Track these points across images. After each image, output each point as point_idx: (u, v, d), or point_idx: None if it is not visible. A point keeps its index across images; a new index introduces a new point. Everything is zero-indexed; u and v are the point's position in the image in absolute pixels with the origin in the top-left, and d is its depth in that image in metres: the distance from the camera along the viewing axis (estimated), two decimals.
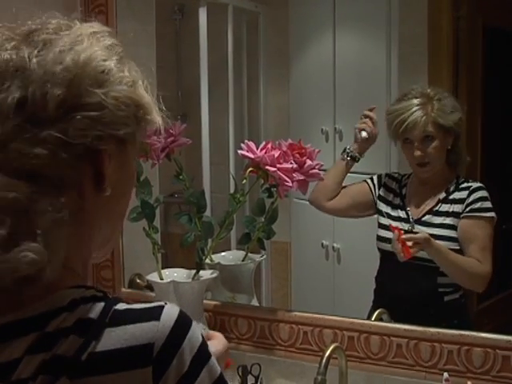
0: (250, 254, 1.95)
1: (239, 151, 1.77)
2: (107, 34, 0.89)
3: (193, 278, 1.82)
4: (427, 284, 1.87)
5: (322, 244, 2.20)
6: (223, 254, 2.03)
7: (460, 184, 1.88)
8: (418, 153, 1.86)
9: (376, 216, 1.98)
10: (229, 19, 2.30)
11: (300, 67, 2.29)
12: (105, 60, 0.84)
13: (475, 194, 1.84)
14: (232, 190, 1.86)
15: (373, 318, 1.83)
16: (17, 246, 0.77)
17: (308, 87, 2.29)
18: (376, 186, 1.99)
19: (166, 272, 1.86)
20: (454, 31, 1.97)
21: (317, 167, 1.75)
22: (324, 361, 1.57)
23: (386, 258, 1.93)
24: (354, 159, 1.98)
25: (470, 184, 1.87)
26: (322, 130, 2.18)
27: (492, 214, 1.83)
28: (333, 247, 2.18)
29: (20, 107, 0.79)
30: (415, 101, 1.86)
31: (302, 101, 2.29)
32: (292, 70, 2.30)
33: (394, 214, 1.94)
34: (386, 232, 1.91)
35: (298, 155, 1.74)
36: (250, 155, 1.74)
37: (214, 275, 1.85)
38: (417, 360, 1.70)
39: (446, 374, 1.56)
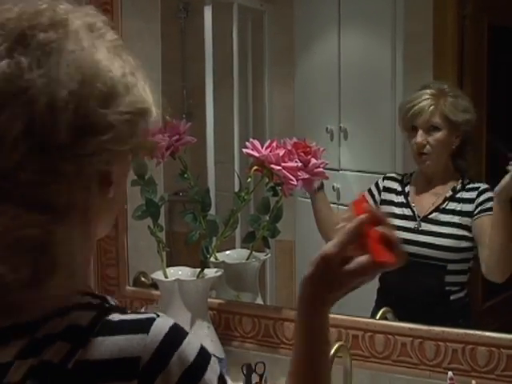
0: (254, 253, 1.95)
1: (244, 150, 1.77)
2: (103, 25, 0.84)
3: (197, 277, 1.82)
4: (434, 283, 1.86)
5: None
6: (228, 252, 2.03)
7: (466, 184, 1.88)
8: (419, 139, 1.86)
9: None
10: (234, 18, 2.31)
11: (305, 66, 2.29)
12: (110, 71, 0.80)
13: (484, 194, 1.83)
14: (237, 189, 1.86)
15: (377, 317, 1.83)
16: (42, 284, 0.77)
17: (313, 86, 2.29)
18: (376, 194, 1.98)
19: (170, 270, 1.86)
20: (459, 29, 1.97)
21: (321, 166, 1.75)
22: None
23: None
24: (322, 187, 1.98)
25: (477, 185, 1.86)
26: (326, 128, 2.18)
27: None
28: None
29: (28, 133, 0.75)
30: (429, 91, 1.87)
31: (307, 99, 2.29)
32: (297, 69, 2.29)
33: (398, 212, 1.94)
34: None
35: (302, 154, 1.74)
36: (255, 154, 1.74)
37: (219, 274, 1.85)
38: (421, 359, 1.70)
39: (450, 373, 1.56)
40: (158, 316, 0.81)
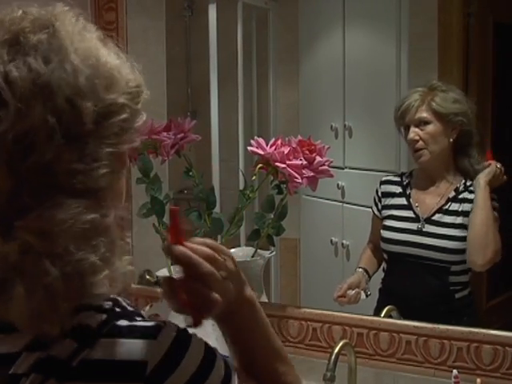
0: (259, 251, 1.95)
1: (249, 148, 1.77)
2: (81, 18, 0.86)
3: None
4: (438, 284, 1.85)
5: (331, 241, 2.20)
6: (233, 250, 2.02)
7: (469, 186, 1.85)
8: (410, 135, 1.87)
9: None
10: (238, 16, 2.30)
11: (310, 63, 2.29)
12: (106, 57, 0.84)
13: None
14: (241, 187, 1.86)
15: (382, 315, 1.83)
16: (112, 265, 0.81)
17: (318, 84, 2.28)
18: (378, 202, 1.98)
19: (175, 268, 1.86)
20: (464, 28, 1.97)
21: (326, 164, 1.75)
22: (333, 357, 1.58)
23: (393, 259, 1.93)
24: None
25: None
26: (331, 126, 2.18)
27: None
28: (342, 244, 2.18)
29: (59, 126, 0.77)
30: (420, 89, 1.88)
31: (312, 97, 2.29)
32: (302, 67, 2.29)
33: (400, 214, 1.93)
34: (392, 233, 1.91)
35: (307, 152, 1.74)
36: (260, 152, 1.74)
37: None
38: (426, 357, 1.70)
39: (455, 372, 1.56)
40: (165, 324, 0.82)
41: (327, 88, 2.26)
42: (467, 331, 1.66)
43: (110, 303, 0.84)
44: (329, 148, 1.77)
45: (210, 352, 0.84)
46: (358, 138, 2.12)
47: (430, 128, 1.86)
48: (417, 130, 1.86)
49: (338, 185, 2.15)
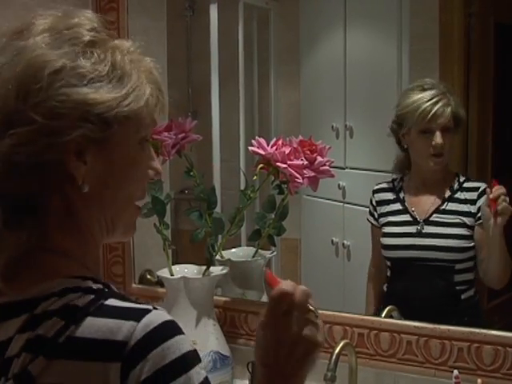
0: (260, 251, 1.96)
1: (250, 148, 1.77)
2: (63, 26, 0.90)
3: (203, 274, 1.83)
4: (444, 284, 1.84)
5: (332, 241, 2.20)
6: (233, 250, 2.03)
7: (463, 183, 1.86)
8: (439, 141, 1.83)
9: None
10: (240, 16, 2.31)
11: (311, 64, 2.29)
12: (45, 65, 0.85)
13: (485, 196, 1.79)
14: (242, 187, 1.86)
15: (383, 315, 1.83)
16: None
17: (319, 84, 2.28)
18: (374, 212, 1.97)
19: (176, 268, 1.87)
20: (465, 28, 1.96)
21: (327, 164, 1.75)
22: (334, 357, 1.57)
23: (397, 265, 1.92)
24: None
25: (475, 184, 1.84)
26: (332, 126, 2.18)
27: None
28: (343, 244, 2.18)
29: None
30: (433, 91, 1.85)
31: (313, 97, 2.29)
32: (303, 67, 2.29)
33: (397, 219, 1.92)
34: (392, 239, 1.90)
35: (308, 152, 1.74)
36: (261, 152, 1.74)
37: (224, 271, 1.86)
38: (427, 357, 1.70)
39: (455, 372, 1.56)
40: (156, 309, 0.84)
41: (328, 88, 2.26)
42: (468, 331, 1.66)
43: (100, 286, 0.87)
44: (330, 148, 1.77)
45: (190, 357, 0.83)
46: (359, 139, 2.12)
47: (452, 135, 1.85)
48: (442, 135, 1.83)
49: (338, 185, 2.15)
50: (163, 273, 1.85)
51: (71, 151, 0.86)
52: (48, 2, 1.91)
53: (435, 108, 1.83)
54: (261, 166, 1.75)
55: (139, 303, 0.85)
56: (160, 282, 1.97)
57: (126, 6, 2.08)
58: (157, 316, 0.83)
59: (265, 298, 2.00)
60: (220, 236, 1.87)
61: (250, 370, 1.74)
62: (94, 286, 0.86)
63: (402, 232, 1.90)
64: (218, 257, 1.90)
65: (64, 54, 0.86)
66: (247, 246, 2.10)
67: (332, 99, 2.24)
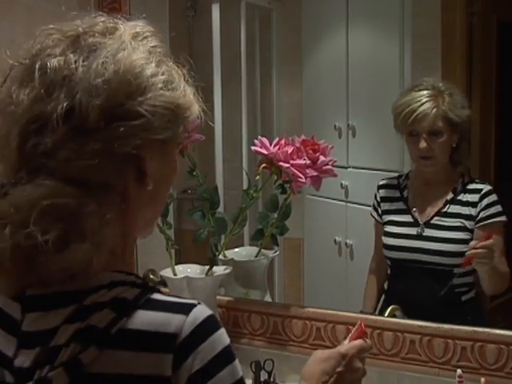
0: (263, 250, 1.96)
1: (252, 147, 1.78)
2: (149, 34, 0.96)
3: (206, 274, 1.83)
4: (444, 286, 1.83)
5: (335, 240, 2.20)
6: (236, 250, 2.03)
7: (466, 184, 1.85)
8: (423, 144, 1.81)
9: None
10: (242, 15, 2.31)
11: (313, 63, 2.29)
12: (143, 67, 0.89)
13: (487, 198, 1.80)
14: (245, 186, 1.86)
15: (386, 314, 1.83)
16: (67, 247, 0.83)
17: (321, 83, 2.28)
18: (378, 208, 1.97)
19: (179, 268, 1.87)
20: (467, 27, 1.96)
21: (330, 163, 1.75)
22: None
23: (396, 265, 1.92)
24: None
25: (478, 186, 1.83)
26: (335, 126, 2.18)
27: (503, 217, 1.80)
28: (345, 243, 2.18)
29: (68, 116, 0.85)
30: (425, 92, 1.83)
31: (315, 97, 2.29)
32: (305, 66, 2.29)
33: (399, 219, 1.92)
34: (392, 239, 1.90)
35: (311, 151, 1.74)
36: (264, 151, 1.74)
37: (228, 271, 1.86)
38: (430, 356, 1.70)
39: (459, 371, 1.56)
40: (200, 304, 0.88)
41: (330, 87, 2.26)
42: (471, 330, 1.66)
43: (142, 282, 0.90)
44: (332, 147, 1.77)
45: (231, 349, 0.87)
46: (361, 138, 2.12)
47: (442, 138, 1.82)
48: (428, 139, 1.82)
49: (341, 184, 2.15)
50: (166, 272, 1.85)
51: (152, 149, 0.90)
52: (51, 3, 1.92)
53: (418, 111, 1.81)
54: (263, 165, 1.75)
55: (183, 298, 0.89)
56: (163, 282, 1.97)
57: (127, 6, 2.09)
58: (203, 310, 0.87)
59: (268, 298, 2.00)
60: (223, 236, 1.87)
61: (254, 369, 1.75)
62: (138, 282, 0.89)
63: (402, 233, 1.90)
64: (220, 256, 1.91)
65: (151, 60, 0.91)
66: (250, 245, 2.10)
67: (334, 99, 2.24)
